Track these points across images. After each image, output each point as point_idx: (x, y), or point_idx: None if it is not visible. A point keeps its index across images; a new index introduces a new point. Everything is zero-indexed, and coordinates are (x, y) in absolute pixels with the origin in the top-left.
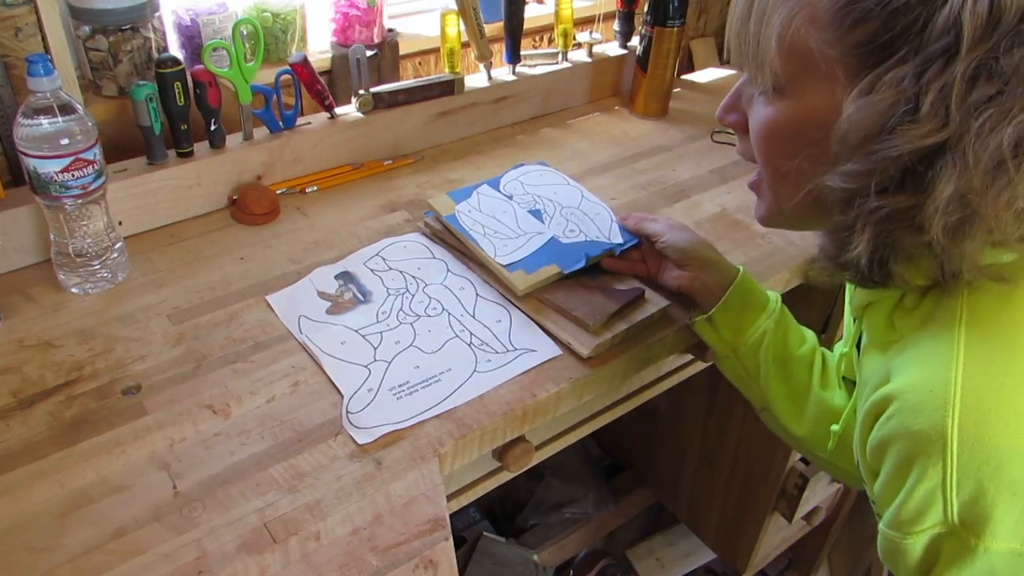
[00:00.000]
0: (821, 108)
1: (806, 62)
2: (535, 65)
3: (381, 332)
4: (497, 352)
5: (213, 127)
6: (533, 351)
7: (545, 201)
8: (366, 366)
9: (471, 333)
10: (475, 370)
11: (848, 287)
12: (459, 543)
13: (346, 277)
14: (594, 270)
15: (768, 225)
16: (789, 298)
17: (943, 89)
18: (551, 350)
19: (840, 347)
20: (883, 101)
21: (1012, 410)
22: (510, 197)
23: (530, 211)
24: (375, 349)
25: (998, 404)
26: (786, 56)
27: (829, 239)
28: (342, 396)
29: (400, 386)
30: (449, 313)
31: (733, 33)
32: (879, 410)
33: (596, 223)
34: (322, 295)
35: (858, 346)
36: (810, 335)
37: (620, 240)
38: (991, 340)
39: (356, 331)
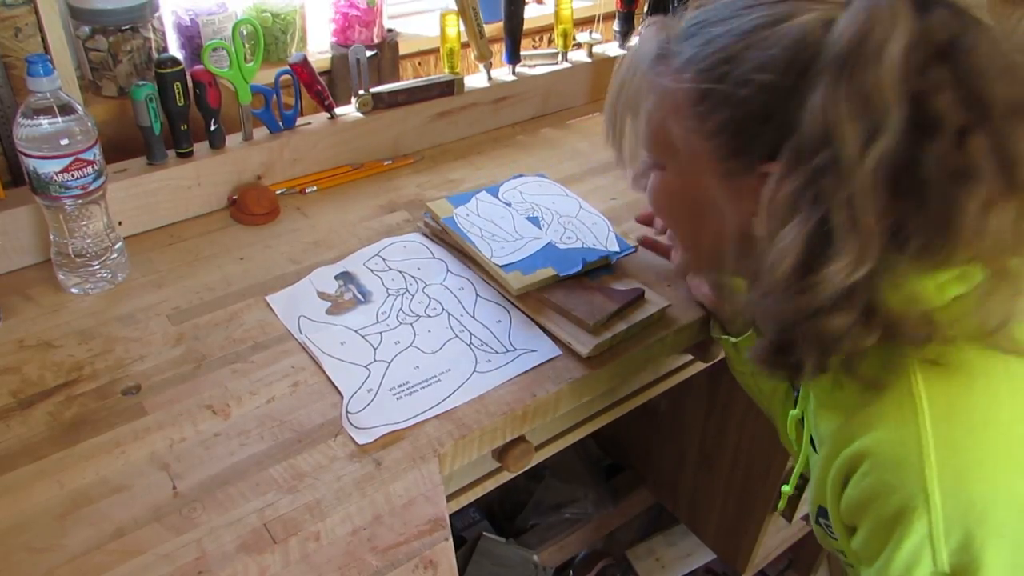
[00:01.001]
0: (691, 186)
1: (671, 147)
2: (535, 65)
3: (381, 332)
4: (497, 352)
5: (213, 127)
6: (533, 351)
7: (543, 209)
8: (366, 366)
9: (471, 333)
10: (475, 370)
11: None
12: (459, 543)
13: (346, 277)
14: (594, 271)
15: (678, 277)
16: None
17: (850, 214)
18: (551, 350)
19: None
20: (790, 234)
21: (987, 451)
22: (508, 204)
23: (528, 218)
24: (375, 349)
25: (973, 447)
26: (655, 141)
27: (767, 356)
28: (342, 396)
29: (400, 386)
30: (449, 313)
31: (614, 115)
32: (851, 469)
33: (593, 232)
34: (322, 295)
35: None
36: None
37: (617, 249)
38: (947, 382)
39: (356, 331)
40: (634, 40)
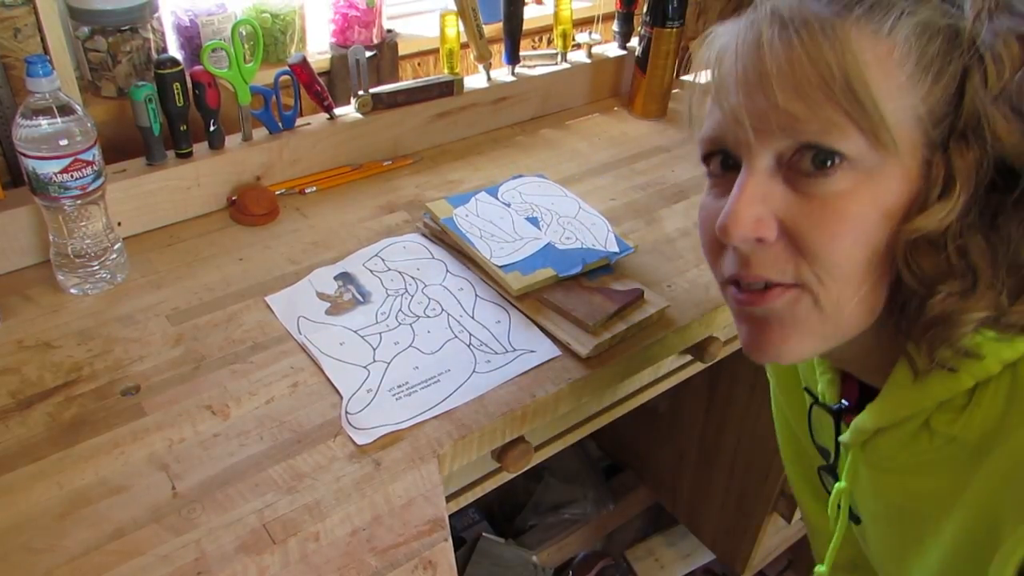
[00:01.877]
0: (896, 178)
1: (907, 124)
2: (534, 66)
3: (380, 333)
4: (496, 353)
5: (212, 128)
6: (532, 352)
7: (543, 210)
8: (365, 367)
9: (470, 334)
10: (474, 371)
11: (818, 413)
12: (458, 544)
13: (345, 278)
14: (593, 271)
15: (806, 357)
16: None
17: None
18: (550, 351)
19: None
20: None
21: None
22: (508, 205)
23: (527, 218)
24: (374, 350)
25: None
26: (887, 117)
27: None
28: (341, 397)
29: (399, 387)
30: (448, 314)
31: (777, 105)
32: None
33: (593, 232)
34: (321, 296)
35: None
36: None
37: (616, 249)
38: None
39: (355, 332)
40: (634, 41)
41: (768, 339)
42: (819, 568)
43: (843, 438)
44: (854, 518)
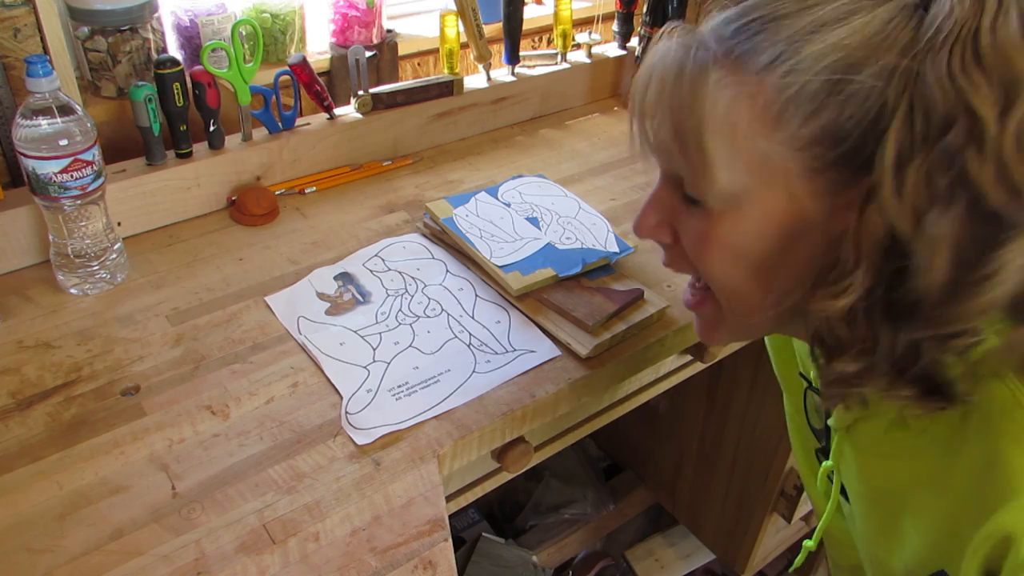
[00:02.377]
0: (778, 213)
1: (756, 165)
2: (534, 66)
3: (380, 333)
4: (496, 353)
5: (212, 128)
6: (532, 352)
7: (542, 210)
8: (365, 367)
9: (470, 334)
10: (474, 371)
11: (811, 396)
12: (458, 544)
13: (345, 278)
14: (593, 271)
15: (719, 342)
16: None
17: (1005, 184)
18: (550, 351)
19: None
20: (938, 224)
21: None
22: (508, 205)
23: (527, 218)
24: (374, 350)
25: None
26: (733, 161)
27: (886, 382)
28: (341, 397)
29: (399, 387)
30: (448, 314)
31: (652, 135)
32: (997, 556)
33: (593, 232)
34: (321, 296)
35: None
36: None
37: (616, 249)
38: None
39: (355, 332)
40: (634, 41)
41: (701, 328)
42: (807, 543)
43: (830, 421)
44: (847, 498)
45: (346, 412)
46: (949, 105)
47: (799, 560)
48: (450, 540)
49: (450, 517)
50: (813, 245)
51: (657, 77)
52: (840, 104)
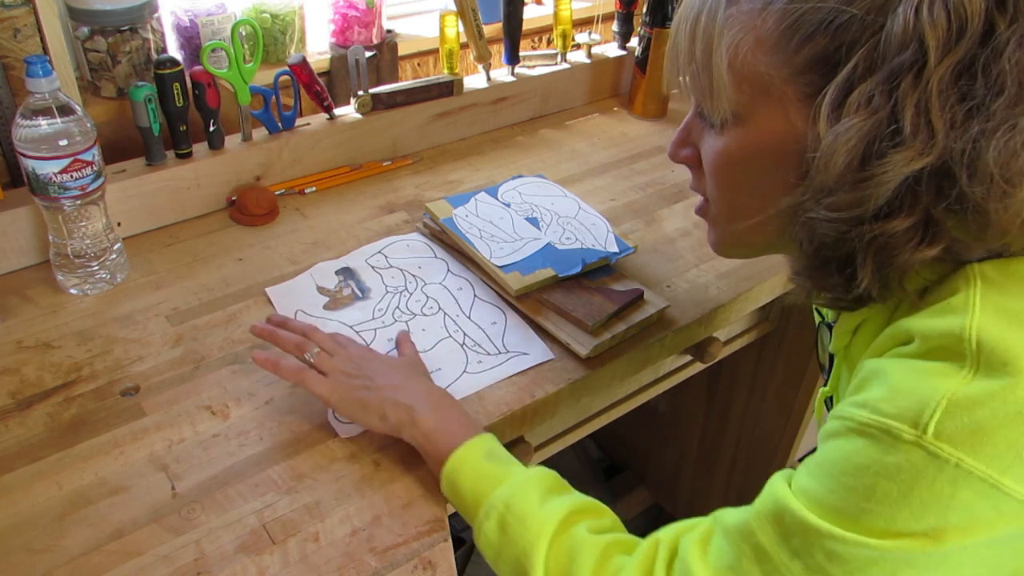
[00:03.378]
0: (777, 133)
1: (757, 87)
2: (534, 66)
3: (375, 329)
4: (489, 354)
5: (212, 128)
6: (525, 354)
7: (542, 210)
8: None
9: (464, 334)
10: (465, 370)
11: (822, 330)
12: (458, 544)
13: (346, 273)
14: (593, 271)
15: (723, 254)
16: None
17: (919, 105)
18: (544, 354)
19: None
20: (860, 125)
21: None
22: (508, 205)
23: (527, 219)
24: (368, 346)
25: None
26: (737, 84)
27: (817, 273)
28: None
29: None
30: (445, 313)
31: (679, 66)
32: (893, 343)
33: (592, 233)
34: (321, 290)
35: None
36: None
37: (616, 249)
38: (1005, 294)
39: (351, 327)
40: (633, 41)
41: (708, 237)
42: None
43: (831, 345)
44: None
45: None
46: (908, 34)
47: None
48: (450, 540)
49: (450, 517)
50: (804, 164)
51: (683, 21)
52: (831, 34)
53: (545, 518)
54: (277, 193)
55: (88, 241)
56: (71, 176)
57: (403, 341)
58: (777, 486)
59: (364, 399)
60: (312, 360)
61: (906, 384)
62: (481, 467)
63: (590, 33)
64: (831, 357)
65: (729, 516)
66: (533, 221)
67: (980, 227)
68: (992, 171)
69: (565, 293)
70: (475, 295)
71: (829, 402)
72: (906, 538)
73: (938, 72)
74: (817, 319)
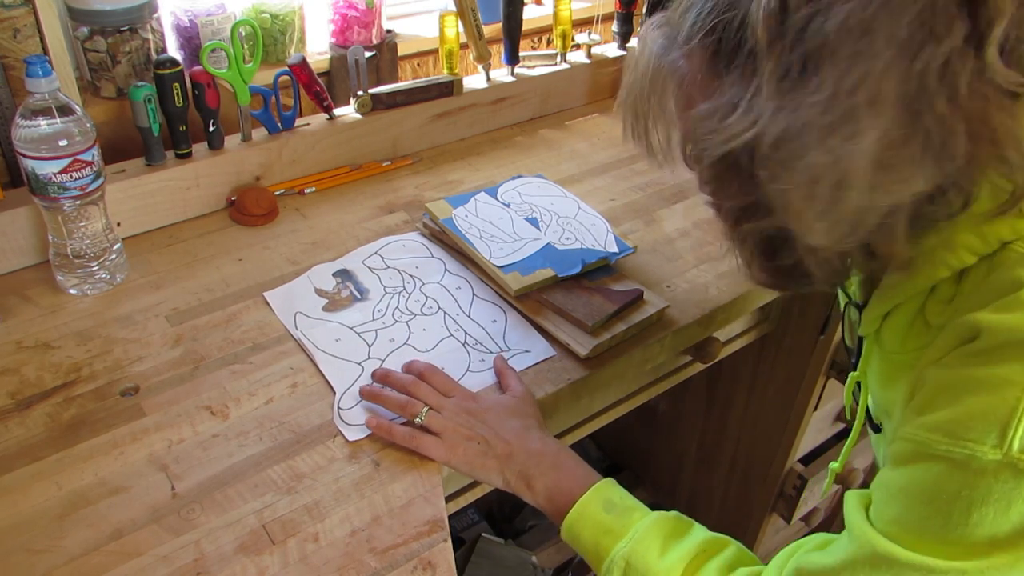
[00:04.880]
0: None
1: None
2: (534, 66)
3: (376, 330)
4: (491, 352)
5: (212, 128)
6: (527, 352)
7: (542, 210)
8: (360, 363)
9: (465, 332)
10: (468, 369)
11: (849, 311)
12: (457, 544)
13: (344, 275)
14: (593, 271)
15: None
16: (788, 299)
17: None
18: (545, 351)
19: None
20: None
21: None
22: (507, 205)
23: (527, 219)
24: (369, 347)
25: None
26: None
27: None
28: (335, 392)
29: None
30: (445, 312)
31: (641, 134)
32: (960, 341)
33: (592, 233)
34: (319, 292)
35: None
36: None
37: (616, 249)
38: None
39: (351, 328)
40: (633, 41)
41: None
42: (832, 465)
43: (860, 329)
44: (875, 428)
45: (338, 408)
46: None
47: (827, 485)
48: (449, 540)
49: (449, 517)
50: None
51: (629, 93)
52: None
53: (666, 570)
54: (277, 193)
55: (88, 241)
56: (71, 176)
57: (503, 372)
58: (860, 525)
59: (484, 465)
60: (423, 423)
61: (980, 401)
62: (600, 521)
63: (590, 33)
64: (860, 340)
65: (815, 563)
66: (533, 221)
67: None
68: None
69: (565, 293)
70: (474, 294)
71: (858, 387)
72: (1006, 554)
73: (768, 60)
74: (843, 299)
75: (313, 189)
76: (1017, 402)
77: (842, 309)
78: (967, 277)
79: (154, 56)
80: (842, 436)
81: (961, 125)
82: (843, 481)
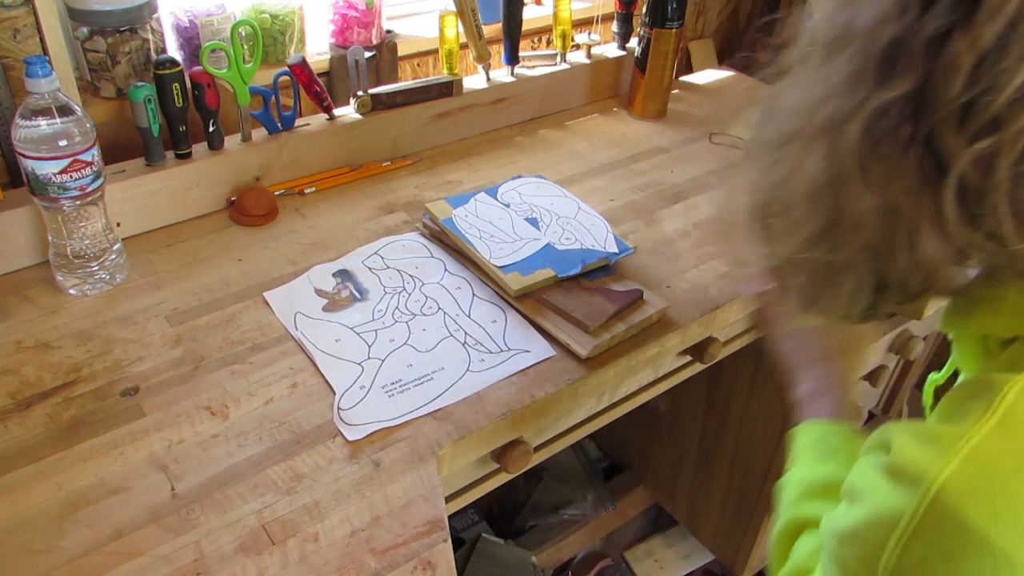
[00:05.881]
0: None
1: None
2: (533, 66)
3: (376, 330)
4: (491, 352)
5: (211, 128)
6: (527, 352)
7: (542, 211)
8: (359, 363)
9: (465, 332)
10: (468, 369)
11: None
12: (457, 544)
13: (344, 275)
14: (593, 271)
15: None
16: None
17: None
18: (545, 351)
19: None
20: None
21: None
22: (507, 205)
23: (527, 219)
24: (369, 347)
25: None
26: None
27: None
28: (334, 393)
29: (392, 384)
30: (444, 312)
31: None
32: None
33: (592, 233)
34: (319, 292)
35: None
36: None
37: (616, 250)
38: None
39: (351, 328)
40: (633, 41)
41: None
42: (933, 375)
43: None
44: None
45: (338, 408)
46: None
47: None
48: (449, 541)
49: (449, 518)
50: None
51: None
52: None
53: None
54: (277, 193)
55: (87, 241)
56: (70, 176)
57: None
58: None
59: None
60: None
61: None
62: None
63: (590, 33)
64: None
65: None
66: (533, 221)
67: None
68: None
69: (565, 293)
70: (474, 294)
71: (939, 392)
72: None
73: None
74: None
75: (313, 189)
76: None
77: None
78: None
79: (154, 56)
80: None
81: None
82: None
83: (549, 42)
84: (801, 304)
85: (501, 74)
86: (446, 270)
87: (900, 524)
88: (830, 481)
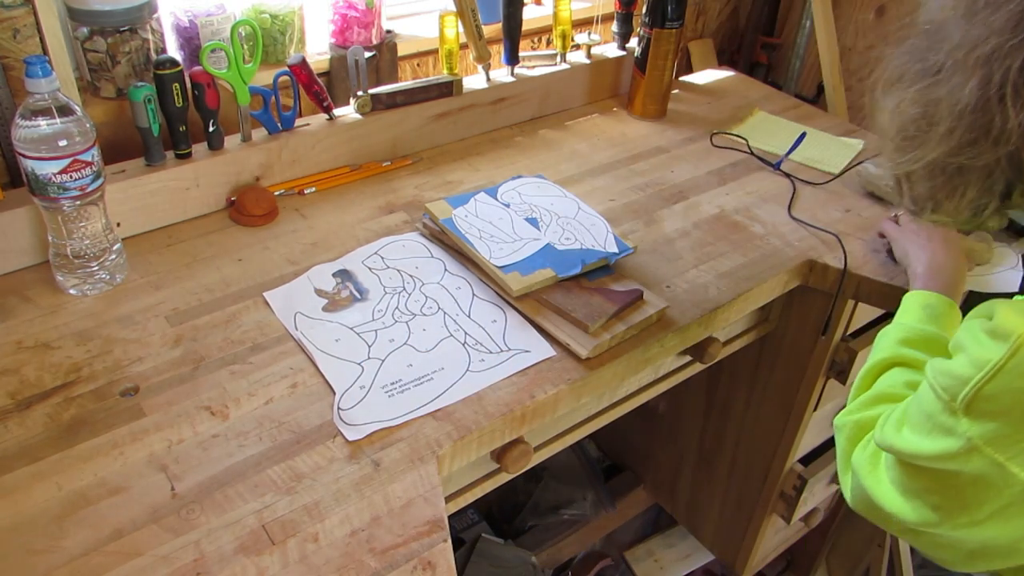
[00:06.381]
0: None
1: None
2: (533, 66)
3: (376, 330)
4: (491, 352)
5: (211, 128)
6: (527, 352)
7: (542, 211)
8: (359, 363)
9: (465, 333)
10: (468, 369)
11: None
12: (457, 544)
13: (344, 275)
14: (593, 271)
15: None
16: (788, 299)
17: None
18: (545, 351)
19: None
20: None
21: None
22: (507, 205)
23: (527, 219)
24: (369, 347)
25: None
26: None
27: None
28: (334, 393)
29: (392, 384)
30: (444, 312)
31: None
32: None
33: (592, 233)
34: (319, 292)
35: None
36: None
37: (616, 250)
38: None
39: (351, 328)
40: (633, 41)
41: None
42: None
43: None
44: None
45: (338, 408)
46: None
47: None
48: (449, 541)
49: (449, 518)
50: None
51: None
52: None
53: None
54: (277, 193)
55: (87, 241)
56: (70, 176)
57: None
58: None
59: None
60: None
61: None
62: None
63: (590, 33)
64: None
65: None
66: (533, 221)
67: None
68: None
69: (565, 293)
70: (474, 294)
71: None
72: None
73: None
74: None
75: (313, 189)
76: None
77: None
78: None
79: (154, 56)
80: None
81: None
82: None
83: (549, 42)
84: (928, 207)
85: (501, 74)
86: (446, 270)
87: (987, 367)
88: (931, 337)
